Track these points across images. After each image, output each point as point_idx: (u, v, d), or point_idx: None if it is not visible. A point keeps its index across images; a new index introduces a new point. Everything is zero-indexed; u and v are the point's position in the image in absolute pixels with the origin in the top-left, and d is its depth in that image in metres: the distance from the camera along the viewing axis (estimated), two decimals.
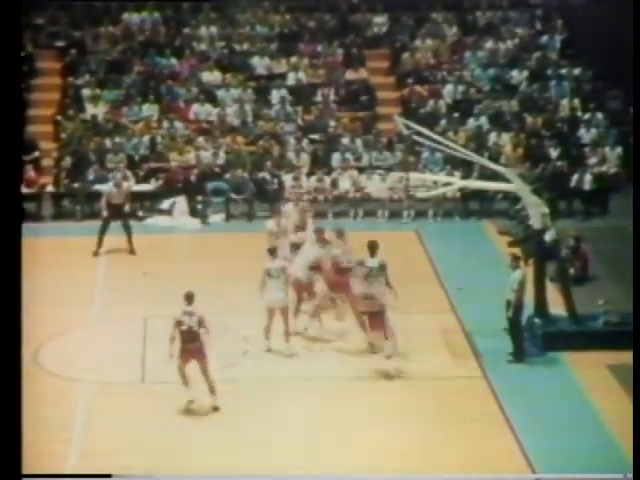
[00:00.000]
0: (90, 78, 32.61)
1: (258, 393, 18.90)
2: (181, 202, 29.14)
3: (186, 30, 34.33)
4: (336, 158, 30.84)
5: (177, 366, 18.07)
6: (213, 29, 34.31)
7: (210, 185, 29.78)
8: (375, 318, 19.78)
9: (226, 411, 18.17)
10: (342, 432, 17.56)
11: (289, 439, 17.38)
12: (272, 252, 20.65)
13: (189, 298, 18.23)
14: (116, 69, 33.12)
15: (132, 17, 34.21)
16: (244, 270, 22.58)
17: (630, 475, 13.62)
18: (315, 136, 31.68)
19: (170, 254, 26.36)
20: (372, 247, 20.63)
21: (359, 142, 31.38)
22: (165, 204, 29.24)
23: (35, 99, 32.69)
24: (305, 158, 30.80)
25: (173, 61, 33.45)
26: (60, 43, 33.53)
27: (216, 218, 29.32)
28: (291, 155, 30.87)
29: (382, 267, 20.35)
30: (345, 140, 31.43)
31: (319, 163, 30.76)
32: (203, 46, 34.04)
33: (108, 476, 14.46)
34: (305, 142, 31.33)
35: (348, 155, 30.91)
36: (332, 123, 32.00)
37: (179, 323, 18.10)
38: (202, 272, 24.33)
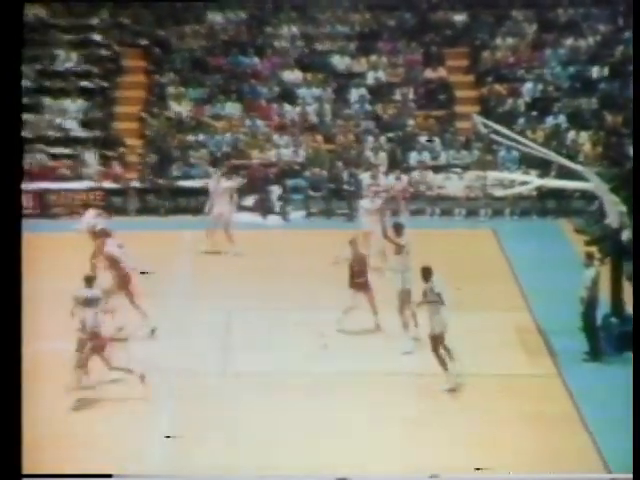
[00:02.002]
0: (174, 76, 32.89)
1: (323, 386, 18.95)
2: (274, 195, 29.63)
3: (268, 29, 34.33)
4: (414, 157, 30.80)
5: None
6: (294, 28, 34.34)
7: (290, 182, 29.95)
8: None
9: (303, 403, 18.27)
10: (410, 428, 17.45)
11: (354, 435, 17.24)
12: None
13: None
14: (200, 67, 33.23)
15: (216, 16, 34.28)
16: (322, 267, 22.70)
17: None
18: (393, 134, 31.55)
19: (252, 249, 26.16)
20: (427, 273, 19.36)
21: (437, 140, 31.26)
22: (247, 200, 29.40)
23: (121, 96, 33.08)
24: (383, 156, 30.81)
25: (255, 60, 33.53)
26: (145, 42, 33.64)
27: (296, 215, 29.49)
28: (369, 153, 30.88)
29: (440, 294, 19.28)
30: (423, 138, 31.34)
31: (397, 161, 30.69)
32: (284, 45, 34.05)
33: (109, 476, 13.96)
34: (383, 140, 31.28)
35: (426, 154, 30.84)
36: (410, 122, 31.94)
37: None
38: (282, 268, 24.60)
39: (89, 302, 19.30)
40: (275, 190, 29.80)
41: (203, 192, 29.27)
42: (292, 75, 33.26)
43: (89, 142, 31.22)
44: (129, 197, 29.83)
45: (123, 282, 21.59)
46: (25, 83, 31.83)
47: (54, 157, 30.70)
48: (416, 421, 17.80)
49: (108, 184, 29.85)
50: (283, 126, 31.86)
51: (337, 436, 17.08)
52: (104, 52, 33.58)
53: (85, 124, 31.79)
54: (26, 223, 28.01)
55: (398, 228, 21.38)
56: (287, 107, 32.40)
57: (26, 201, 29.01)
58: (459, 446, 16.84)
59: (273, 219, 29.23)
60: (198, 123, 31.90)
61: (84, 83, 32.62)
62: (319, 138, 31.51)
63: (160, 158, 30.70)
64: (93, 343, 18.78)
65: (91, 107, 32.22)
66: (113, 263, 21.71)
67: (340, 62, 33.63)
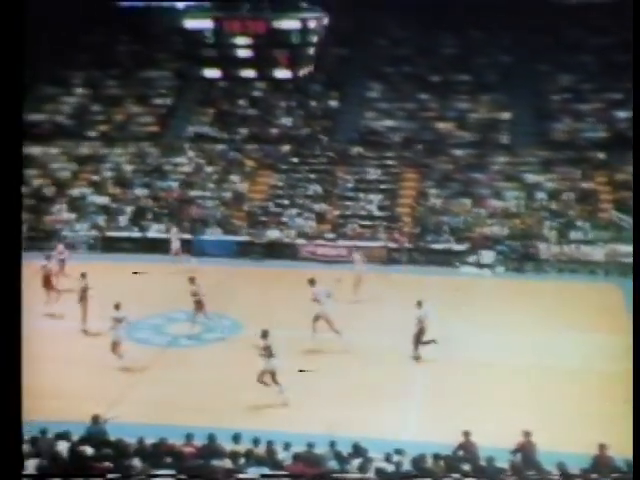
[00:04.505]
0: (433, 184, 33.06)
1: None
2: (488, 256, 28.92)
3: (490, 158, 33.86)
4: (572, 234, 29.93)
5: None
6: (504, 158, 33.81)
7: (497, 248, 29.41)
8: None
9: None
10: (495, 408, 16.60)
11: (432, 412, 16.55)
12: None
13: None
14: (449, 179, 33.09)
15: (457, 151, 34.28)
16: (510, 307, 22.29)
17: None
18: (561, 220, 30.70)
19: (472, 290, 25.99)
20: (265, 334, 17.39)
21: (587, 224, 30.23)
22: (470, 258, 29.05)
23: (402, 194, 32.97)
24: (554, 234, 30.01)
25: (481, 176, 33.13)
26: (418, 167, 33.76)
27: (499, 269, 28.79)
28: (545, 231, 30.15)
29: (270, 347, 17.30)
30: (579, 222, 30.39)
31: (562, 237, 29.85)
32: (498, 167, 33.52)
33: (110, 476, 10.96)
34: (554, 224, 30.49)
35: (580, 233, 29.93)
36: (571, 212, 31.02)
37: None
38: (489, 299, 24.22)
39: (119, 320, 18.93)
40: (488, 253, 29.17)
41: (445, 252, 29.36)
42: (502, 184, 32.83)
43: (384, 219, 31.52)
44: (402, 252, 29.82)
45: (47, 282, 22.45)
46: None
47: (363, 227, 31.00)
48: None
49: (391, 244, 30.00)
50: (494, 214, 31.44)
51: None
52: (395, 170, 33.86)
53: (381, 208, 32.17)
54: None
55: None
56: (498, 202, 31.95)
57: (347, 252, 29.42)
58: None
59: (486, 271, 28.71)
60: (445, 209, 31.77)
61: (383, 186, 33.08)
62: (515, 221, 30.85)
63: (422, 230, 30.71)
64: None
65: (385, 199, 32.62)
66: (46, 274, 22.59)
67: (530, 177, 32.95)
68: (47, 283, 22.87)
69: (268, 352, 17.18)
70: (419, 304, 19.59)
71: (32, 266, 21.75)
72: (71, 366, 18.82)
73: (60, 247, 26.35)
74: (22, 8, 8.61)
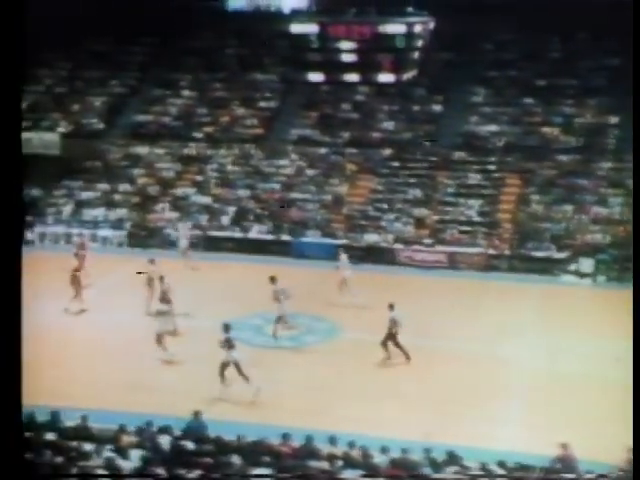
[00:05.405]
0: (536, 189, 32.31)
1: None
2: (587, 264, 28.05)
3: (598, 165, 33.09)
4: None
5: None
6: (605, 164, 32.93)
7: (599, 256, 28.55)
8: None
9: None
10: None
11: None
12: None
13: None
14: (550, 185, 32.49)
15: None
16: (611, 317, 21.74)
17: None
18: None
19: (570, 300, 25.52)
20: (227, 328, 17.71)
21: None
22: (571, 267, 28.43)
23: (502, 200, 32.54)
24: None
25: (585, 182, 32.32)
26: (518, 174, 33.17)
27: (601, 278, 27.97)
28: None
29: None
30: None
31: None
32: (602, 173, 32.73)
33: (112, 476, 10.96)
34: None
35: None
36: None
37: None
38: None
39: (162, 313, 19.26)
40: (587, 260, 28.40)
41: (546, 260, 28.70)
42: (607, 190, 31.85)
43: (483, 225, 30.97)
44: (501, 259, 29.40)
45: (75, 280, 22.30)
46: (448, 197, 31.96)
47: (462, 232, 30.70)
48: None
49: (490, 250, 29.64)
50: (597, 220, 30.61)
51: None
52: (497, 175, 33.38)
53: (481, 214, 31.73)
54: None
55: None
56: (601, 209, 31.08)
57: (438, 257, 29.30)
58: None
59: (586, 280, 27.99)
60: (546, 216, 31.06)
61: (484, 191, 32.71)
62: (619, 229, 29.81)
63: (522, 237, 30.16)
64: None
65: (486, 204, 32.09)
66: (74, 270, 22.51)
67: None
68: (73, 278, 22.88)
69: (228, 344, 17.46)
70: (391, 307, 19.37)
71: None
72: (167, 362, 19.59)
73: (80, 241, 26.86)
74: (22, 6, 9.08)
